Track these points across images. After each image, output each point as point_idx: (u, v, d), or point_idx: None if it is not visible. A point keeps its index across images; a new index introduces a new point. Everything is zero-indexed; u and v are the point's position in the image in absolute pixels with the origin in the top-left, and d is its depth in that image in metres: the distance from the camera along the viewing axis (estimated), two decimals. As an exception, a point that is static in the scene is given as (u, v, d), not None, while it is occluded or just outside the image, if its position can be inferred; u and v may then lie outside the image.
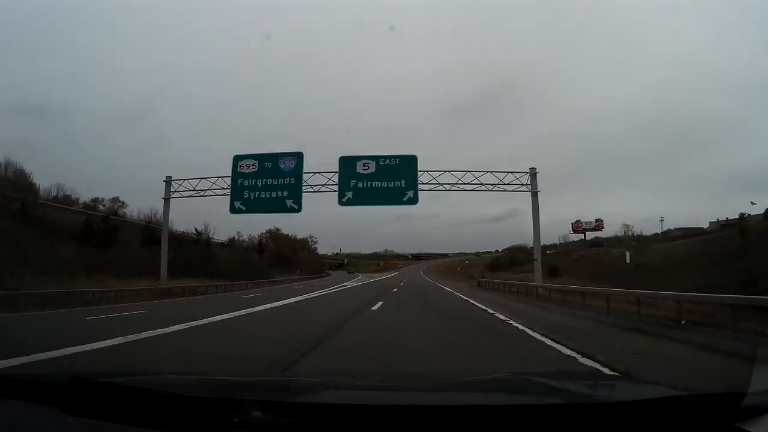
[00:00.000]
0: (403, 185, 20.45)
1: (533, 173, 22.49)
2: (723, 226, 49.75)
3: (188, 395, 1.38)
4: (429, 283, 37.00)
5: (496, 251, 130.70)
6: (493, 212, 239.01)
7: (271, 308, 13.29)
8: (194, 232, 38.88)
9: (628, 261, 32.80)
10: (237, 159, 21.19)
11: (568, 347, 5.84)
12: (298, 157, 21.29)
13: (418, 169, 21.02)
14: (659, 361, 5.15)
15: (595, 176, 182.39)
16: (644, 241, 53.11)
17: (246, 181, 20.82)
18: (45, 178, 49.31)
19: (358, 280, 43.30)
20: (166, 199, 23.83)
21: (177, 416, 1.29)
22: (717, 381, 3.74)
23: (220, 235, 51.75)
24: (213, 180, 22.39)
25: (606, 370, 4.47)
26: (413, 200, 20.53)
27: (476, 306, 13.61)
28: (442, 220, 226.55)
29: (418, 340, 6.94)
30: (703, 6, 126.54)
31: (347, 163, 20.73)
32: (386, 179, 20.43)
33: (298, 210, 20.71)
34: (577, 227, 79.85)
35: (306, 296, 18.90)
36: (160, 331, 7.58)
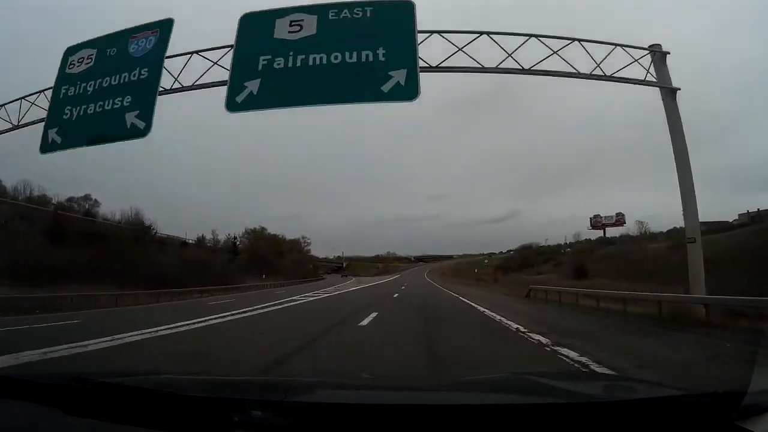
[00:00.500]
0: (382, 58, 10.07)
1: (659, 54, 11.39)
2: (753, 219, 47.72)
3: (188, 395, 1.40)
4: (436, 290, 31.05)
5: (501, 252, 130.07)
6: (493, 213, 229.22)
7: (197, 327, 9.37)
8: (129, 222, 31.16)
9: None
10: (68, 53, 12.17)
11: None
12: (162, 29, 11.42)
13: (418, 28, 10.41)
14: None
15: (598, 172, 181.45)
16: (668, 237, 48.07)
17: (74, 90, 11.68)
18: None
19: (346, 286, 38.65)
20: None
21: (177, 416, 1.32)
22: None
23: (191, 233, 44.48)
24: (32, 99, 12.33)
25: None
26: (406, 90, 9.96)
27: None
28: (444, 221, 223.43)
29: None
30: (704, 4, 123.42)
31: (255, 25, 10.84)
32: (343, 48, 10.24)
33: (144, 131, 10.91)
34: (596, 223, 71.30)
35: (272, 307, 15.37)
36: None
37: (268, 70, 9.96)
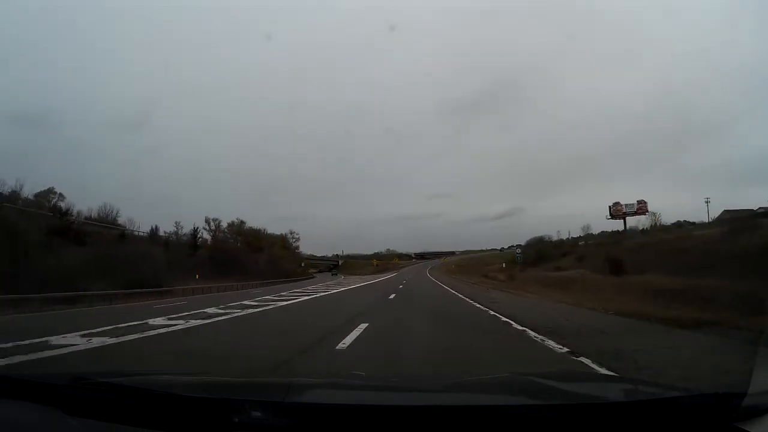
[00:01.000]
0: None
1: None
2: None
3: (188, 395, 1.44)
4: (442, 293, 23.53)
5: (502, 248, 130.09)
6: (494, 210, 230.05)
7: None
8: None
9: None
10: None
11: None
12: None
13: None
14: None
15: (598, 170, 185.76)
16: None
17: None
18: None
19: (334, 286, 33.39)
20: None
21: (177, 416, 1.35)
22: None
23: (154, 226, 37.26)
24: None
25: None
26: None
27: None
28: (445, 219, 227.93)
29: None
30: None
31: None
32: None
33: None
34: (616, 211, 63.61)
35: (193, 321, 10.63)
36: None
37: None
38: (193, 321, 10.32)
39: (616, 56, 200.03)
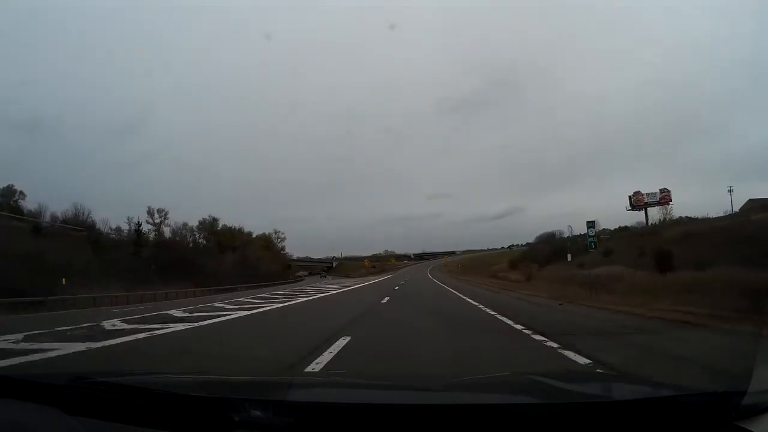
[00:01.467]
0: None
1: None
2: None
3: (188, 395, 1.47)
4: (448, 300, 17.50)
5: (511, 246, 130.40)
6: (494, 210, 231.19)
7: None
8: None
9: None
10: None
11: None
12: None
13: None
14: None
15: (598, 168, 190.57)
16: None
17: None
18: None
19: (317, 291, 26.91)
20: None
21: (177, 416, 1.38)
22: None
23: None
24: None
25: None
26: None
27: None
28: (444, 219, 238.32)
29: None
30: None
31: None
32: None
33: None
34: (637, 201, 55.99)
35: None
36: None
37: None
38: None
39: (615, 53, 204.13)
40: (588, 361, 4.87)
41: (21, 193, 40.94)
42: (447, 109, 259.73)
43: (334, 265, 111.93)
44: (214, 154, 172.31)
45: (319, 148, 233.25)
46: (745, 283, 11.67)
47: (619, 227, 64.82)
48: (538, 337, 6.75)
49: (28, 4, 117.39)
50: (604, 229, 65.27)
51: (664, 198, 63.84)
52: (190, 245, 50.98)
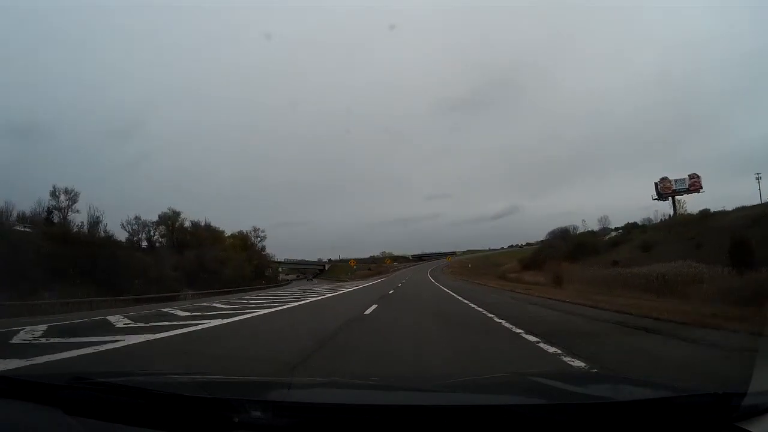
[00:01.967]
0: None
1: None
2: None
3: (188, 395, 1.49)
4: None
5: (502, 248, 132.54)
6: (493, 210, 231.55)
7: None
8: None
9: None
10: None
11: None
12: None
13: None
14: None
15: (598, 167, 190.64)
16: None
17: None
18: None
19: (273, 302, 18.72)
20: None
21: (177, 416, 1.41)
22: None
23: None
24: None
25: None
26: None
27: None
28: (443, 220, 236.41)
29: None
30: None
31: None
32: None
33: None
34: (665, 189, 48.00)
35: None
36: None
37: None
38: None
39: (614, 52, 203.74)
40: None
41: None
42: (446, 109, 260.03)
43: (326, 268, 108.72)
44: (210, 155, 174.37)
45: (316, 148, 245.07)
46: None
47: (627, 223, 61.46)
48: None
49: (28, 5, 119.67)
50: (629, 223, 58.45)
51: (693, 185, 57.14)
52: (123, 241, 43.12)
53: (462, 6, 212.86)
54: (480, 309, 12.33)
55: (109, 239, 38.97)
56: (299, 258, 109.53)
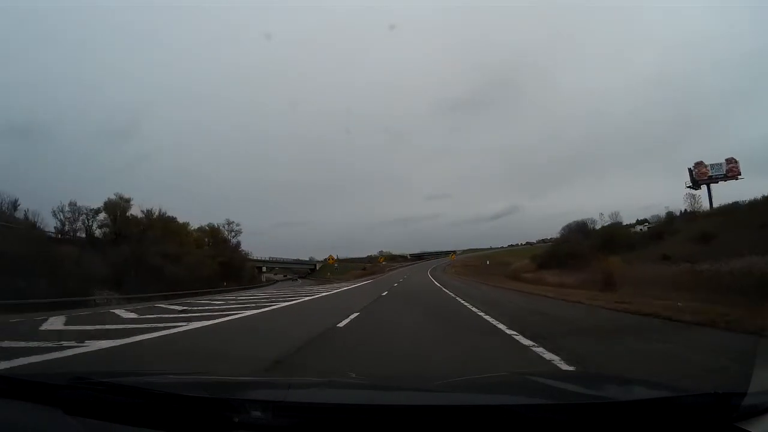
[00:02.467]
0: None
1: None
2: None
3: (188, 395, 1.50)
4: None
5: (502, 247, 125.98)
6: (492, 210, 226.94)
7: None
8: None
9: None
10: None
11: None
12: None
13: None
14: None
15: (598, 166, 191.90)
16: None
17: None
18: None
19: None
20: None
21: (177, 416, 1.42)
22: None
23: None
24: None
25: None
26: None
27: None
28: (443, 220, 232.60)
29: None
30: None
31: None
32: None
33: None
34: (701, 175, 38.76)
35: None
36: None
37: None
38: None
39: (614, 52, 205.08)
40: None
41: None
42: (446, 109, 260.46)
43: (317, 268, 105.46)
44: (209, 155, 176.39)
45: (316, 148, 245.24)
46: None
47: (638, 220, 61.14)
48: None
49: (28, 5, 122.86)
50: (670, 214, 52.30)
51: (731, 170, 51.11)
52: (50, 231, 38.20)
53: (462, 6, 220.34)
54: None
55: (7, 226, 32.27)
56: (293, 257, 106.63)
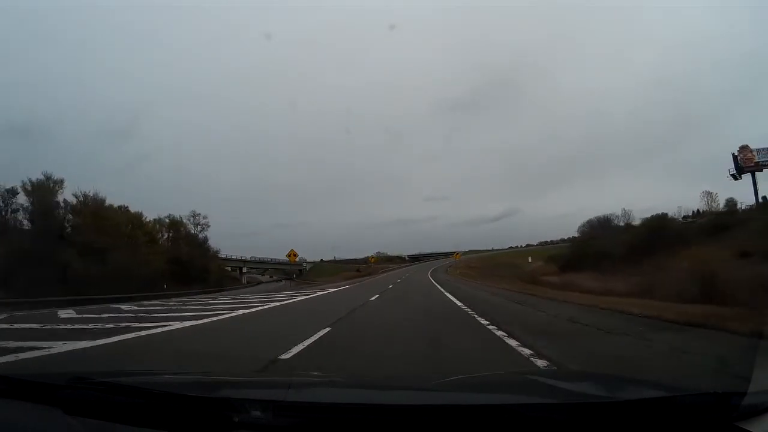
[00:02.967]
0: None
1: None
2: None
3: (188, 395, 1.54)
4: None
5: (509, 247, 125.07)
6: (492, 212, 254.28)
7: None
8: None
9: None
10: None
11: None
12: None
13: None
14: None
15: (598, 167, 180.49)
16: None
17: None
18: None
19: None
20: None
21: (177, 416, 1.46)
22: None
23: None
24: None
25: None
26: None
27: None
28: (441, 221, 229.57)
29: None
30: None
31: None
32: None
33: None
34: (746, 161, 29.65)
35: None
36: None
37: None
38: None
39: (614, 52, 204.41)
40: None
41: None
42: (446, 109, 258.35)
43: (307, 268, 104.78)
44: (209, 155, 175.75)
45: (315, 148, 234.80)
46: None
47: (730, 198, 54.14)
48: None
49: (28, 5, 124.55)
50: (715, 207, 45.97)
51: (781, 156, 43.29)
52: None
53: (462, 6, 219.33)
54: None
55: None
56: (282, 258, 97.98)
